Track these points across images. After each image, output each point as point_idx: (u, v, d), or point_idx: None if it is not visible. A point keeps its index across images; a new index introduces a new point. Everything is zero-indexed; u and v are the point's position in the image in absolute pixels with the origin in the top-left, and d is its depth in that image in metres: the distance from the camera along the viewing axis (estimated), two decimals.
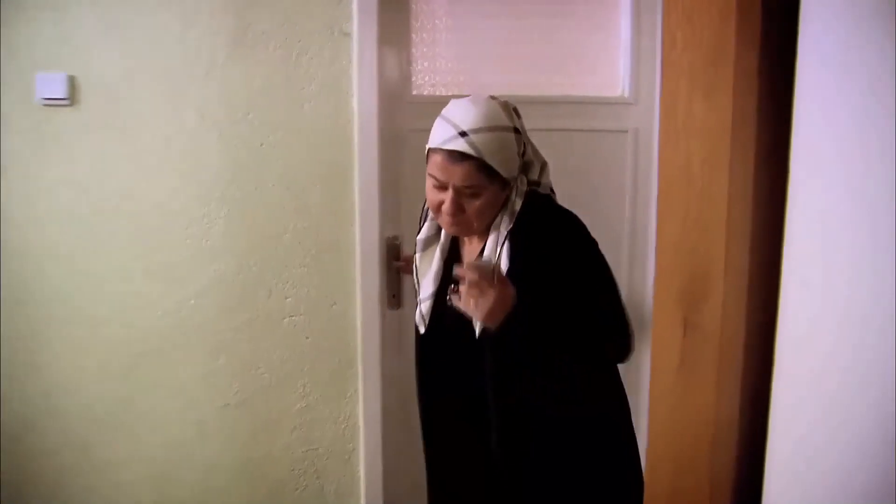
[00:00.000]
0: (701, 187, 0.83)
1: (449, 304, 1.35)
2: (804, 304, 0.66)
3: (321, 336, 2.01)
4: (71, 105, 1.86)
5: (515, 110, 1.38)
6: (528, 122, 1.40)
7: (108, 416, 1.97)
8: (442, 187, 1.32)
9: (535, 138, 1.42)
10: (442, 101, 1.35)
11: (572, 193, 1.52)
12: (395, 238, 2.01)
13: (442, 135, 1.31)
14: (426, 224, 1.46)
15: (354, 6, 1.92)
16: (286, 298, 1.98)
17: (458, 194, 1.31)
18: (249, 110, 1.93)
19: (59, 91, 1.84)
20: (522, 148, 1.37)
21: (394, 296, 2.03)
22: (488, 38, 2.10)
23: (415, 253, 1.49)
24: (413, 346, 1.54)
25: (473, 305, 1.27)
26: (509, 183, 1.35)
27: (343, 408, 2.02)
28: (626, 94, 2.09)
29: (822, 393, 0.63)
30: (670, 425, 1.01)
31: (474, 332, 1.36)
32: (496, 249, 1.34)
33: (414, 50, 2.07)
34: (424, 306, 1.45)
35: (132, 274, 1.94)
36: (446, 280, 1.42)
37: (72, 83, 1.85)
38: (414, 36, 2.07)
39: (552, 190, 1.46)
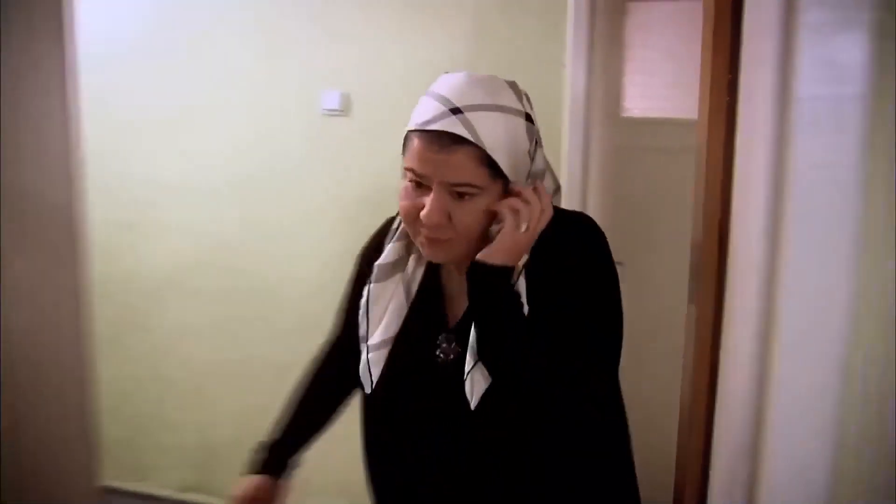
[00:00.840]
0: (703, 169, 1.23)
1: (439, 358, 1.01)
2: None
3: None
4: (345, 115, 2.35)
5: (527, 97, 1.00)
6: None
7: None
8: (421, 185, 0.94)
9: None
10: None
11: None
12: None
13: (424, 113, 0.93)
14: (392, 245, 1.05)
15: (569, 42, 2.21)
16: None
17: (443, 195, 0.92)
18: None
19: (336, 104, 2.34)
20: (534, 145, 0.99)
21: None
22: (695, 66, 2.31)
23: (369, 282, 1.05)
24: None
25: (517, 220, 0.93)
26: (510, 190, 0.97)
27: None
28: None
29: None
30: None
31: (443, 404, 0.99)
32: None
33: (626, 77, 2.33)
34: (374, 356, 1.02)
35: None
36: (414, 325, 1.04)
37: (345, 98, 2.34)
38: (626, 65, 2.33)
39: None
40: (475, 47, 2.27)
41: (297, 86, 2.36)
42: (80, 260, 1.23)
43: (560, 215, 1.01)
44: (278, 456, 1.19)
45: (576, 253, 0.98)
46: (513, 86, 0.98)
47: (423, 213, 0.93)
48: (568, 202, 2.23)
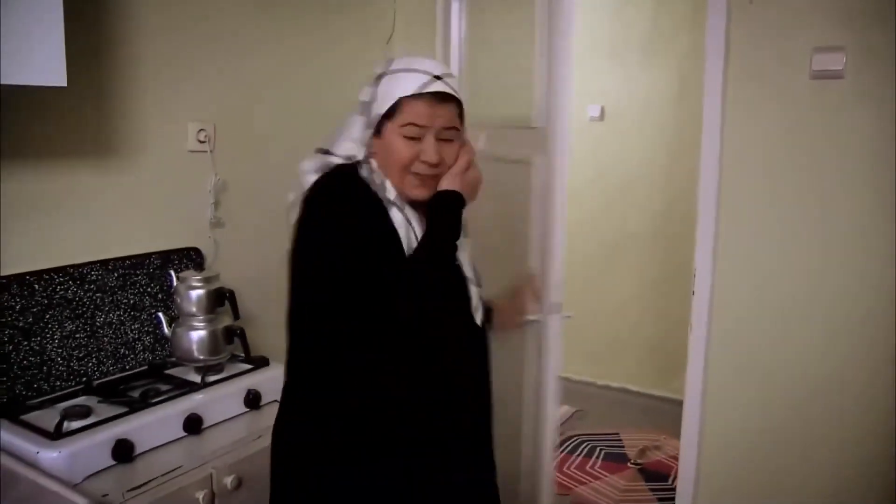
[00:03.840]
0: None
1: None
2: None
3: None
4: (601, 121, 3.60)
5: None
6: None
7: None
8: (418, 137, 1.16)
9: None
10: None
11: None
12: None
13: (416, 82, 1.15)
14: (398, 200, 1.19)
15: None
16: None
17: (434, 140, 1.17)
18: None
19: (597, 113, 3.60)
20: None
21: None
22: None
23: (412, 231, 1.19)
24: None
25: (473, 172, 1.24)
26: None
27: None
28: None
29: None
30: None
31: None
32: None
33: None
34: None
35: None
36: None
37: (603, 109, 3.59)
38: None
39: None
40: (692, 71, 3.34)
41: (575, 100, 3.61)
42: None
43: None
44: None
45: None
46: None
47: (425, 155, 1.15)
48: None
